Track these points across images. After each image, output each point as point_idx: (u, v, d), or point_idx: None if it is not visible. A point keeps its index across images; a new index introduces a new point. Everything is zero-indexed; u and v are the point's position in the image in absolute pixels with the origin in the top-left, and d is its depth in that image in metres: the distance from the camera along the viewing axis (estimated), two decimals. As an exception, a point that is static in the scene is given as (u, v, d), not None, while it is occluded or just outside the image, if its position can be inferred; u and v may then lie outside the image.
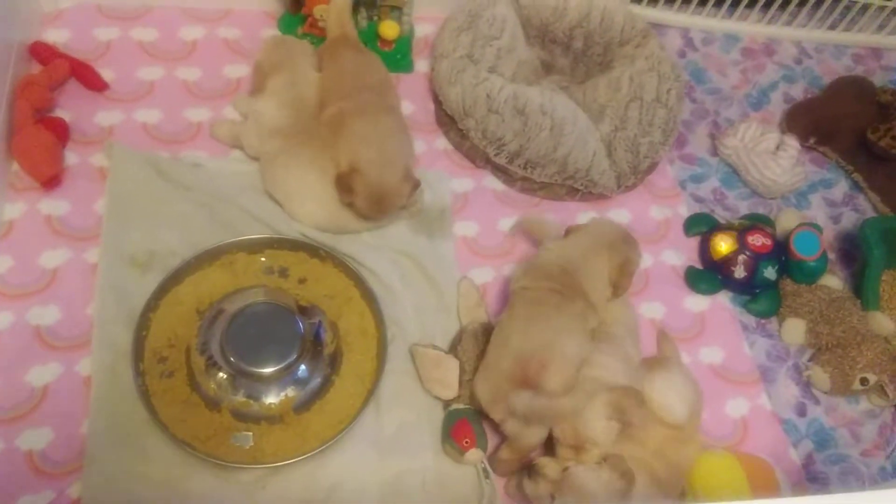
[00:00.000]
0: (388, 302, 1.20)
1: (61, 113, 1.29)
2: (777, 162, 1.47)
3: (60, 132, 1.25)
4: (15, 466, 1.00)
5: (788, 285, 1.38)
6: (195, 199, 1.25)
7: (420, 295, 1.24)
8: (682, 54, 1.72)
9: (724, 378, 1.28)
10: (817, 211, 1.55)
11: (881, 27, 1.82)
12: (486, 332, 1.15)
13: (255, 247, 1.22)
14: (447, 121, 1.43)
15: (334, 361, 1.14)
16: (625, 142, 1.41)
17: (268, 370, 1.07)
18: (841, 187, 1.60)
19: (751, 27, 1.78)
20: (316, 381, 1.11)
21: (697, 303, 1.36)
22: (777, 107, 1.68)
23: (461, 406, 1.12)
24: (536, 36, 1.55)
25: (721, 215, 1.48)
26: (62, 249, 1.17)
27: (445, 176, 1.40)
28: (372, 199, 1.20)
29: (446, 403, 1.13)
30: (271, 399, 1.07)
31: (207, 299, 1.16)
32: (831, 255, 1.46)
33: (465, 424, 1.09)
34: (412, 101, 1.48)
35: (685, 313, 1.34)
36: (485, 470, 1.09)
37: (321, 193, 1.23)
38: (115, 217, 1.20)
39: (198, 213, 1.24)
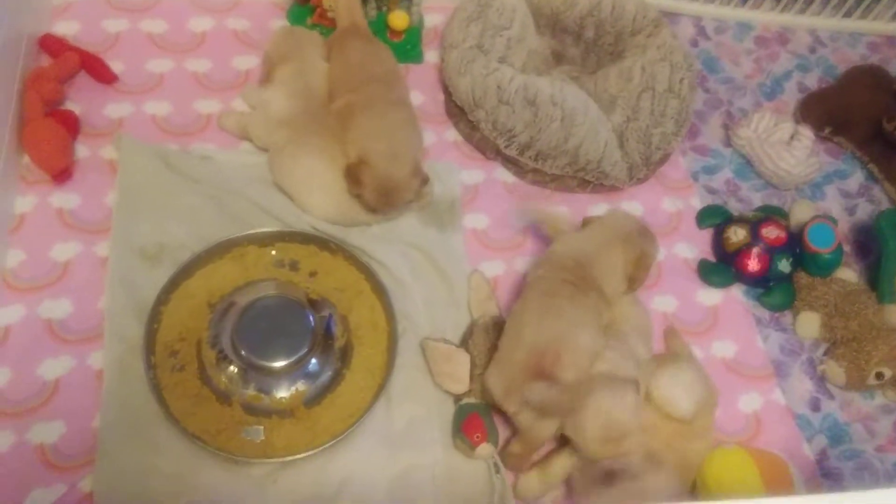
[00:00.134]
0: (399, 295, 1.20)
1: (71, 105, 1.29)
2: (791, 153, 1.45)
3: (70, 125, 1.24)
4: (27, 460, 1.00)
5: (803, 278, 1.36)
6: (205, 191, 1.25)
7: (430, 288, 1.23)
8: (695, 43, 1.70)
9: (737, 372, 1.27)
10: (832, 202, 1.53)
11: (898, 15, 1.80)
12: (497, 326, 1.15)
13: (265, 240, 1.22)
14: (457, 112, 1.42)
15: (345, 355, 1.14)
16: (637, 133, 1.39)
17: (278, 364, 1.07)
18: (856, 178, 1.58)
19: (764, 15, 1.76)
20: (326, 375, 1.11)
21: (710, 296, 1.35)
22: (791, 96, 1.66)
23: (472, 400, 1.11)
24: (547, 25, 1.54)
25: (734, 207, 1.47)
26: (73, 242, 1.17)
27: (455, 168, 1.39)
28: (380, 191, 1.20)
29: (457, 398, 1.13)
30: (282, 393, 1.07)
31: (218, 293, 1.15)
32: (846, 248, 1.43)
33: (476, 419, 1.08)
34: (422, 91, 1.47)
35: (698, 307, 1.33)
36: (496, 465, 1.09)
37: (331, 184, 1.23)
38: (124, 210, 1.20)
39: (207, 205, 1.24)
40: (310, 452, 1.04)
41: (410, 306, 1.20)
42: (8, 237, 1.15)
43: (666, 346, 1.25)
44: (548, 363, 1.00)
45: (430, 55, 1.52)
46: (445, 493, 1.07)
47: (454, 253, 1.29)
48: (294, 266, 1.21)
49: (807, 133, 1.46)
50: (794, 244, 1.35)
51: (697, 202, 1.46)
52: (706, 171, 1.51)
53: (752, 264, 1.34)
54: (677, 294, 1.33)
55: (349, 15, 1.36)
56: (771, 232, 1.34)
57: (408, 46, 1.49)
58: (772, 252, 1.33)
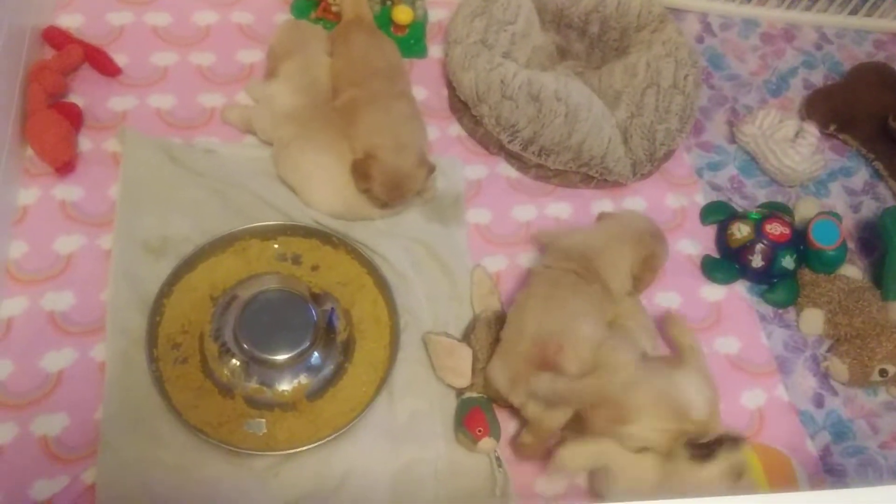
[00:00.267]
0: (401, 290, 1.20)
1: (75, 98, 1.29)
2: (796, 149, 1.44)
3: (74, 117, 1.24)
4: (30, 452, 1.00)
5: (807, 275, 1.36)
6: (208, 185, 1.25)
7: (433, 283, 1.23)
8: (700, 40, 1.70)
9: (740, 369, 1.27)
10: (837, 199, 1.53)
11: (904, 12, 1.79)
12: (500, 321, 1.15)
13: (268, 233, 1.22)
14: (461, 107, 1.42)
15: (347, 349, 1.14)
16: (641, 129, 1.39)
17: (281, 357, 1.07)
18: (861, 175, 1.57)
19: (770, 12, 1.75)
20: (329, 368, 1.11)
21: (714, 292, 1.34)
22: (796, 93, 1.66)
23: (474, 394, 1.11)
24: (551, 21, 1.53)
25: (738, 204, 1.46)
26: (76, 235, 1.17)
27: (459, 163, 1.39)
28: (389, 184, 1.20)
29: (459, 392, 1.13)
30: (284, 386, 1.07)
31: (221, 286, 1.15)
32: (851, 245, 1.43)
33: (478, 413, 1.08)
34: (426, 86, 1.47)
35: (701, 303, 1.33)
36: (498, 459, 1.09)
37: (336, 178, 1.23)
38: (128, 203, 1.20)
39: (211, 199, 1.23)
40: (312, 445, 1.04)
41: (413, 301, 1.20)
42: (11, 229, 1.16)
43: (667, 335, 1.24)
44: (551, 353, 1.00)
45: (434, 50, 1.52)
46: (447, 487, 1.07)
47: (457, 248, 1.28)
48: (296, 260, 1.21)
49: (812, 130, 1.45)
50: (798, 241, 1.35)
51: (701, 198, 1.45)
52: (710, 167, 1.51)
53: (756, 260, 1.33)
54: (681, 290, 1.33)
55: (355, 6, 1.36)
56: (775, 228, 1.34)
57: (412, 41, 1.49)
58: (776, 248, 1.33)
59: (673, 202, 1.44)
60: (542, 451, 1.08)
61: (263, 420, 1.06)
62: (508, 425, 1.12)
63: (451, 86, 1.43)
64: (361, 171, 1.20)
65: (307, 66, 1.30)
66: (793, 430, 1.23)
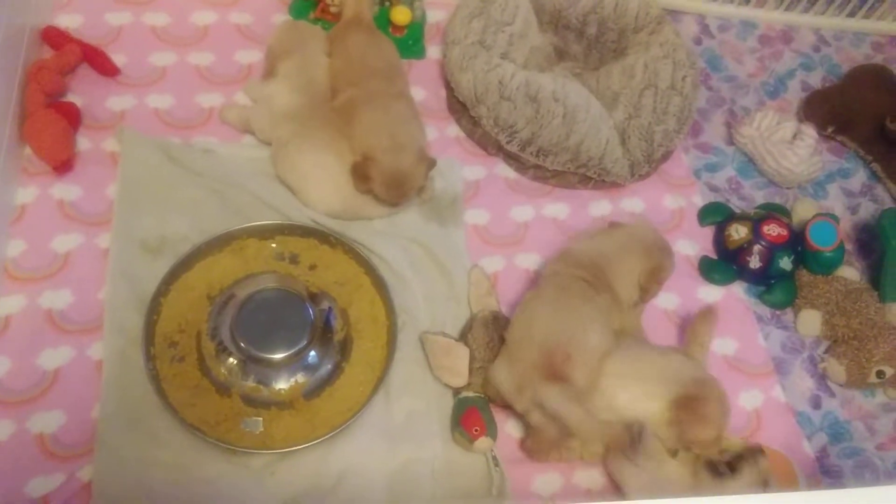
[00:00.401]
0: (399, 289, 1.20)
1: (73, 98, 1.29)
2: (794, 151, 1.44)
3: (72, 117, 1.24)
4: (26, 449, 1.00)
5: (804, 276, 1.36)
6: (206, 184, 1.25)
7: (430, 283, 1.23)
8: (698, 41, 1.70)
9: (737, 369, 1.27)
10: (835, 201, 1.53)
11: (902, 15, 1.79)
12: (497, 321, 1.15)
13: (265, 233, 1.22)
14: (459, 108, 1.42)
15: (344, 348, 1.14)
16: (639, 130, 1.39)
17: (278, 356, 1.07)
18: (859, 177, 1.58)
19: (768, 14, 1.76)
20: (326, 367, 1.11)
21: (711, 293, 1.34)
22: (794, 95, 1.66)
23: (471, 394, 1.11)
24: (549, 22, 1.54)
25: (736, 205, 1.46)
26: (74, 234, 1.17)
27: (457, 163, 1.39)
28: (390, 184, 1.20)
29: (456, 391, 1.13)
30: (281, 385, 1.07)
31: (218, 285, 1.15)
32: (848, 246, 1.43)
33: (474, 413, 1.08)
34: (424, 87, 1.47)
35: (699, 304, 1.32)
36: (494, 458, 1.09)
37: (334, 178, 1.23)
38: (126, 202, 1.20)
39: (209, 198, 1.24)
40: (308, 444, 1.04)
41: (410, 300, 1.20)
42: (9, 228, 1.16)
43: (690, 324, 1.22)
44: (558, 362, 1.00)
45: (433, 51, 1.52)
46: (444, 486, 1.07)
47: (455, 248, 1.29)
48: (294, 259, 1.21)
49: (810, 132, 1.45)
50: (796, 242, 1.35)
51: (699, 200, 1.45)
52: (708, 168, 1.51)
53: (754, 262, 1.33)
54: (679, 291, 1.33)
55: (356, 5, 1.36)
56: (772, 229, 1.34)
57: (410, 42, 1.49)
58: (773, 249, 1.33)
59: (671, 203, 1.44)
60: (547, 454, 1.09)
61: (260, 419, 1.06)
62: (505, 425, 1.13)
63: (449, 86, 1.43)
64: (361, 173, 1.20)
65: (305, 65, 1.30)
66: (790, 431, 1.23)
